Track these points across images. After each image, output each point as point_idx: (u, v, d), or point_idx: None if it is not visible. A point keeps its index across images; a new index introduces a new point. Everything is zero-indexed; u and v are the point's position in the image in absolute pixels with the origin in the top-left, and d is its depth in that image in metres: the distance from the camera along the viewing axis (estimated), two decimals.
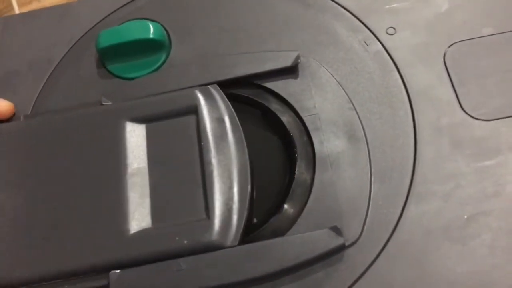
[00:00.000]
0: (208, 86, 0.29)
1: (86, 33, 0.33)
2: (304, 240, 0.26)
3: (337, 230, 0.25)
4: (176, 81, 0.31)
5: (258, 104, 0.30)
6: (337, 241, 0.25)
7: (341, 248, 0.25)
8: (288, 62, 0.30)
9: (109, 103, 0.30)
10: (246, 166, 0.27)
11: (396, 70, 0.30)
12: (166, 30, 0.32)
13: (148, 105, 0.29)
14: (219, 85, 0.30)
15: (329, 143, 0.28)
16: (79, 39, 0.33)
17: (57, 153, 0.29)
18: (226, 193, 0.26)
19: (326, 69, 0.30)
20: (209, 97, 0.29)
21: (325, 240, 0.25)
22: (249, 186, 0.26)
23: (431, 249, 0.25)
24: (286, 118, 0.29)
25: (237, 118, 0.28)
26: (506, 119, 0.27)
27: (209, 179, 0.27)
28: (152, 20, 0.32)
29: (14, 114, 0.31)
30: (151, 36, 0.31)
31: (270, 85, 0.30)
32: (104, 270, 0.26)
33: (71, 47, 0.33)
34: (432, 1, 0.31)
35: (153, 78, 0.31)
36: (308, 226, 0.26)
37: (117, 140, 0.28)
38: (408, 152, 0.28)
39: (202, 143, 0.27)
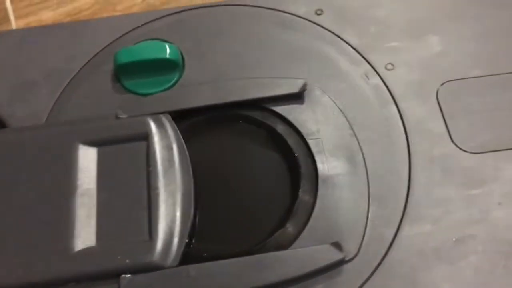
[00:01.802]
0: (160, 115, 0.31)
1: (102, 49, 0.35)
2: (306, 253, 0.27)
3: (337, 246, 0.27)
4: (188, 100, 0.33)
5: (265, 125, 0.32)
6: (338, 256, 0.27)
7: (341, 262, 0.27)
8: (295, 89, 0.32)
9: (124, 116, 0.32)
10: (190, 191, 0.29)
11: (393, 103, 0.32)
12: (180, 52, 0.34)
13: (102, 129, 0.31)
14: (229, 106, 0.32)
15: (331, 165, 0.30)
16: (95, 55, 0.35)
17: (10, 170, 0.30)
18: (169, 216, 0.28)
19: (330, 98, 0.32)
20: (160, 125, 0.31)
21: (326, 254, 0.27)
22: (191, 211, 0.28)
23: (423, 267, 0.27)
24: (291, 140, 0.31)
25: (185, 147, 0.30)
26: (492, 153, 0.30)
27: (154, 203, 0.28)
28: (167, 41, 0.34)
29: None
30: (167, 56, 0.33)
31: (278, 109, 0.32)
32: (49, 285, 0.27)
33: (87, 62, 0.35)
34: (428, 42, 0.34)
35: (165, 95, 0.33)
36: (309, 242, 0.28)
37: (69, 161, 0.30)
38: (403, 178, 0.30)
39: (150, 168, 0.29)
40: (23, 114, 0.33)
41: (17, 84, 0.34)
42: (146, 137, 0.30)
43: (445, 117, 0.31)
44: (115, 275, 0.27)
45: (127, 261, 0.27)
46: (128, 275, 0.27)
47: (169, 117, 0.31)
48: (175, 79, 0.34)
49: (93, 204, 0.29)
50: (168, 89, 0.33)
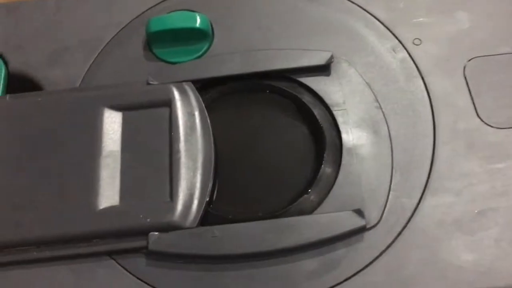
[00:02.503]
0: (183, 83, 0.32)
1: (134, 18, 0.36)
2: (328, 219, 0.28)
3: (359, 213, 0.28)
4: (216, 69, 0.33)
5: (291, 96, 0.33)
6: (359, 222, 0.28)
7: (362, 229, 0.28)
8: (322, 61, 0.32)
9: (155, 82, 0.32)
10: (210, 157, 0.30)
11: (420, 77, 0.32)
12: (210, 22, 0.35)
13: (127, 95, 0.32)
14: (256, 76, 0.33)
15: (355, 136, 0.31)
16: (127, 24, 0.36)
17: (38, 132, 0.31)
18: (190, 180, 0.29)
19: (356, 70, 0.33)
20: (182, 93, 0.32)
21: (348, 221, 0.28)
22: (211, 175, 0.29)
23: (443, 238, 0.28)
24: (317, 111, 0.32)
25: (206, 114, 0.31)
26: None
27: (175, 166, 0.29)
28: (198, 12, 0.35)
29: None
30: (197, 26, 0.34)
31: (304, 80, 0.33)
32: (74, 240, 0.28)
33: (119, 30, 0.35)
34: (456, 18, 0.34)
35: (195, 64, 0.34)
36: (331, 209, 0.29)
37: (96, 124, 0.31)
38: (427, 150, 0.30)
39: (172, 133, 0.30)
40: (58, 78, 0.34)
41: (53, 50, 0.35)
42: (169, 103, 0.31)
43: (471, 93, 0.32)
44: (137, 232, 0.28)
45: (148, 220, 0.28)
46: (156, 233, 0.28)
47: (192, 85, 0.32)
48: (204, 48, 0.34)
49: (117, 165, 0.30)
50: (197, 58, 0.34)
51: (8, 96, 0.33)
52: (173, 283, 0.28)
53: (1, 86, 0.34)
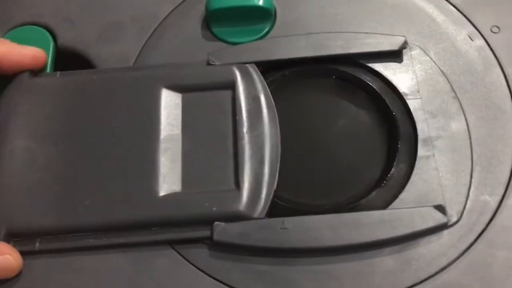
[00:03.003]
0: (247, 65, 0.30)
1: None
2: (407, 214, 0.26)
3: (441, 209, 0.26)
4: (280, 51, 0.31)
5: (361, 83, 0.31)
6: (441, 219, 0.26)
7: (444, 226, 0.26)
8: (395, 46, 0.30)
9: (217, 63, 0.31)
10: (277, 144, 0.28)
11: (499, 67, 0.30)
12: (273, 2, 0.33)
13: (187, 76, 0.30)
14: (323, 61, 0.31)
15: (431, 127, 0.29)
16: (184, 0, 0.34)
17: (92, 112, 0.29)
18: (257, 168, 0.27)
19: (431, 58, 0.31)
20: (246, 75, 0.30)
21: (428, 217, 0.26)
22: (278, 163, 0.27)
23: None
24: (389, 99, 0.30)
25: (272, 99, 0.29)
26: None
27: (240, 153, 0.27)
28: None
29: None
30: (260, 4, 0.32)
31: (375, 66, 0.31)
32: (132, 227, 0.26)
33: (176, 6, 0.34)
34: None
35: (256, 45, 0.32)
36: (407, 204, 0.27)
37: (154, 106, 0.29)
38: (508, 144, 0.28)
39: (237, 118, 0.28)
40: (111, 56, 0.32)
41: (105, 25, 0.33)
42: (232, 86, 0.29)
43: None
44: (201, 222, 0.26)
45: (214, 209, 0.26)
46: (222, 223, 0.26)
47: (256, 67, 0.30)
48: (266, 29, 0.32)
49: (178, 150, 0.28)
50: (259, 38, 0.32)
51: (58, 73, 0.31)
52: (239, 276, 0.26)
53: (50, 61, 0.32)
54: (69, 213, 0.27)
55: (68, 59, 0.33)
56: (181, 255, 0.26)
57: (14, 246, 0.26)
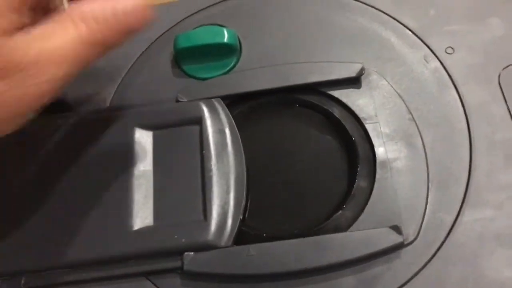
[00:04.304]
0: (213, 100, 0.32)
1: (161, 35, 0.36)
2: (365, 236, 0.28)
3: (397, 229, 0.27)
4: (246, 84, 0.33)
5: (322, 109, 0.32)
6: (397, 239, 0.27)
7: (400, 246, 0.27)
8: (352, 73, 0.32)
9: (185, 99, 0.32)
10: (242, 174, 0.30)
11: (453, 87, 0.32)
12: (238, 37, 0.35)
13: (157, 114, 0.32)
14: (285, 91, 0.33)
15: (389, 149, 0.30)
16: (155, 40, 0.36)
17: (69, 152, 0.31)
18: (223, 198, 0.29)
19: (388, 82, 0.32)
20: (212, 110, 0.31)
21: (385, 237, 0.27)
22: (244, 193, 0.29)
23: (484, 253, 0.27)
24: (348, 124, 0.31)
25: (237, 130, 0.31)
26: None
27: (208, 185, 0.29)
28: (225, 26, 0.35)
29: None
30: (225, 41, 0.33)
31: (335, 93, 0.32)
32: (109, 261, 0.28)
33: (147, 47, 0.36)
34: (489, 25, 0.33)
35: (224, 79, 0.33)
36: (367, 225, 0.28)
37: (127, 144, 0.31)
38: (463, 162, 0.30)
39: (204, 152, 0.30)
40: (88, 97, 0.34)
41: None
42: (199, 121, 0.31)
43: (507, 102, 0.31)
44: (172, 253, 0.28)
45: (183, 240, 0.28)
46: (191, 253, 0.28)
47: (221, 101, 0.32)
48: (233, 63, 0.34)
49: (150, 185, 0.30)
50: (226, 73, 0.34)
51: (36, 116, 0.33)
52: None
53: None
54: (50, 250, 0.29)
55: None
56: (156, 285, 0.28)
57: (2, 283, 0.28)
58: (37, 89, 0.23)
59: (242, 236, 0.29)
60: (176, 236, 0.28)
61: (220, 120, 0.31)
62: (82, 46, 0.24)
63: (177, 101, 0.33)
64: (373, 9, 0.35)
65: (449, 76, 0.32)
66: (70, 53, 0.23)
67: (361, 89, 0.32)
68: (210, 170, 0.30)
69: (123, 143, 0.31)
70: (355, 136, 0.31)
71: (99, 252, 0.28)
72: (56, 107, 0.34)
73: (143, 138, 0.31)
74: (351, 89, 0.32)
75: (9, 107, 0.23)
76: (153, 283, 0.28)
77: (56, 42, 0.23)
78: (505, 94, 0.31)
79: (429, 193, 0.29)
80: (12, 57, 0.22)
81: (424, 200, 0.29)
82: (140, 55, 0.35)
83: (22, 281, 0.28)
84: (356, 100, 0.32)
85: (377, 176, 0.29)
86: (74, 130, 0.32)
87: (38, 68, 0.23)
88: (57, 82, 0.23)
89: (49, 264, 0.28)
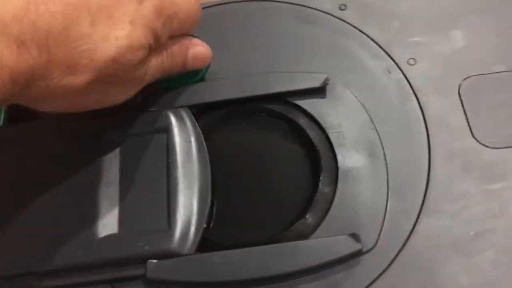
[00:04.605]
0: (180, 109, 0.32)
1: None
2: (325, 243, 0.28)
3: (355, 237, 0.28)
4: (212, 94, 0.33)
5: (287, 119, 0.33)
6: (355, 246, 0.28)
7: (359, 253, 0.28)
8: (317, 83, 0.33)
9: (153, 109, 0.33)
10: (207, 182, 0.30)
11: (414, 97, 0.32)
12: None
13: (124, 122, 0.32)
14: (251, 100, 0.33)
15: (351, 159, 0.31)
16: None
17: (35, 163, 0.32)
18: (187, 207, 0.29)
19: (352, 92, 0.33)
20: (179, 119, 0.32)
21: (344, 245, 0.28)
22: (209, 201, 0.30)
23: (440, 261, 0.28)
24: (312, 133, 0.32)
25: (203, 139, 0.31)
26: None
27: (173, 193, 0.30)
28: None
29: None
30: None
31: (300, 102, 0.33)
32: (72, 271, 0.29)
33: None
34: (451, 37, 0.34)
35: (191, 89, 0.34)
36: (328, 233, 0.29)
37: (93, 152, 0.31)
38: (422, 171, 0.30)
39: (170, 160, 0.31)
40: None
41: None
42: (166, 130, 0.32)
43: (466, 112, 0.32)
44: (136, 261, 0.29)
45: (147, 248, 0.28)
46: (154, 261, 0.28)
47: (188, 111, 0.32)
48: (201, 73, 0.34)
49: (116, 194, 0.30)
50: (194, 83, 0.34)
51: (10, 126, 0.34)
52: None
53: (3, 115, 0.35)
54: (15, 258, 0.29)
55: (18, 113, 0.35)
56: None
57: None
58: (127, 96, 0.31)
59: (206, 244, 0.29)
60: (140, 244, 0.29)
61: (186, 129, 0.32)
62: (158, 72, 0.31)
63: (145, 110, 0.33)
64: (339, 21, 0.36)
65: (411, 86, 0.33)
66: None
67: (325, 99, 0.33)
68: (176, 179, 0.30)
69: (89, 151, 0.31)
70: (319, 145, 0.32)
71: (63, 260, 0.29)
72: (25, 115, 0.34)
73: (110, 147, 0.32)
74: (316, 99, 0.33)
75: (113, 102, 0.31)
76: None
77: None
78: (464, 105, 0.32)
79: (388, 201, 0.30)
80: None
81: (384, 208, 0.29)
82: None
83: None
84: (320, 109, 0.33)
85: (339, 185, 0.30)
86: (40, 139, 0.32)
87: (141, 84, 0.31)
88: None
89: (13, 271, 0.29)
